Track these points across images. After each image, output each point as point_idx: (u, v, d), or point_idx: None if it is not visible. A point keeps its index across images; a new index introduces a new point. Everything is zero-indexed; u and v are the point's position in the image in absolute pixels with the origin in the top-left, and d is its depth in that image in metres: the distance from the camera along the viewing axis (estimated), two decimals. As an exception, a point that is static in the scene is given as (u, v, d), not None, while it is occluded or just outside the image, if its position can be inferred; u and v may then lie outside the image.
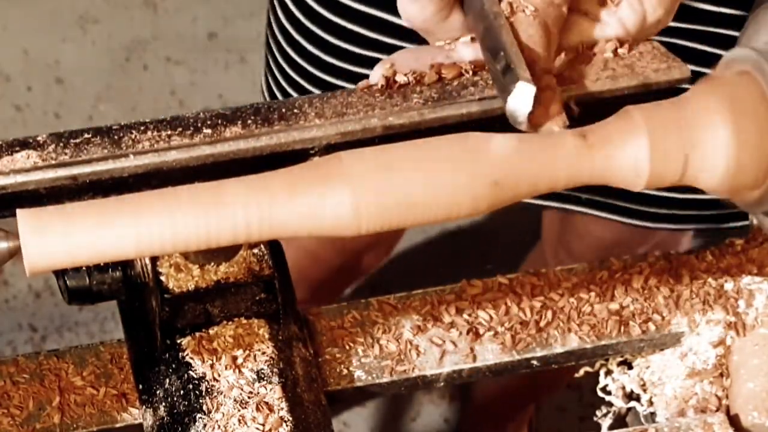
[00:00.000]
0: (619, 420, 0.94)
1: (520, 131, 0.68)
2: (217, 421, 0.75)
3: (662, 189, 1.15)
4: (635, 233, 1.25)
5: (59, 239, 0.62)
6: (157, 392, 0.78)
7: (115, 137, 0.69)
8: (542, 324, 0.88)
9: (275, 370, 0.77)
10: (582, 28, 0.76)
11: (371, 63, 0.76)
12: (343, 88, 0.78)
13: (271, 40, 1.19)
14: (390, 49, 0.84)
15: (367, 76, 0.74)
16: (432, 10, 0.72)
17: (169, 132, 0.70)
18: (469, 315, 0.88)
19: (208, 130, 0.70)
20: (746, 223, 1.08)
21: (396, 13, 0.75)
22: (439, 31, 0.74)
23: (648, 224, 1.20)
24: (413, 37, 0.77)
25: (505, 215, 1.59)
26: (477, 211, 0.67)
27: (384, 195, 0.64)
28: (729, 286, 0.91)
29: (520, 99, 0.65)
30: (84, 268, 0.77)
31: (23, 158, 0.67)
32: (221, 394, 0.76)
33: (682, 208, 1.17)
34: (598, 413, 0.94)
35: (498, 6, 0.70)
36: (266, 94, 1.23)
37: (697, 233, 1.34)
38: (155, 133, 0.70)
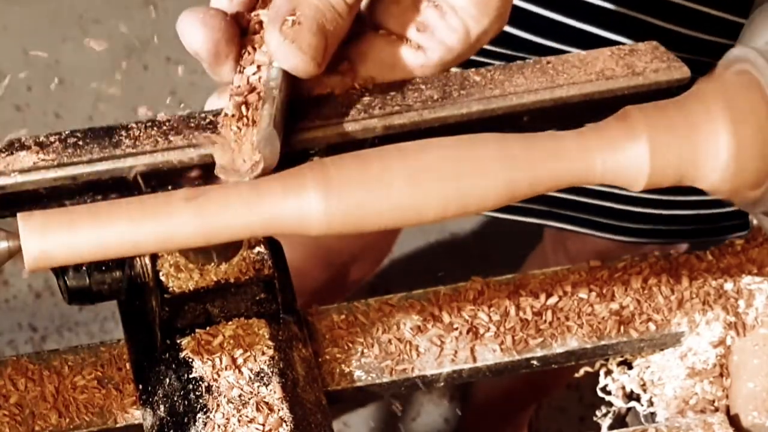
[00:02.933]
0: (619, 420, 0.94)
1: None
2: (216, 421, 0.75)
3: (650, 206, 1.16)
4: (628, 246, 1.25)
5: (59, 239, 0.62)
6: (157, 392, 0.78)
7: (115, 137, 0.69)
8: (542, 324, 0.88)
9: (275, 370, 0.77)
10: (392, 53, 0.72)
11: None
12: None
13: None
14: None
15: None
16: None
17: (168, 132, 0.70)
18: (469, 315, 0.88)
19: (208, 131, 0.70)
20: (741, 234, 1.08)
21: None
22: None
23: (638, 240, 1.20)
24: None
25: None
26: (471, 212, 0.67)
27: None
28: (729, 286, 0.91)
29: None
30: (84, 268, 0.77)
31: (23, 158, 0.67)
32: (221, 394, 0.76)
33: (670, 223, 1.17)
34: (598, 413, 0.94)
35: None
36: None
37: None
38: (155, 133, 0.70)
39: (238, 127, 0.67)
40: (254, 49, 0.70)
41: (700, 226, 1.17)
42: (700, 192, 1.14)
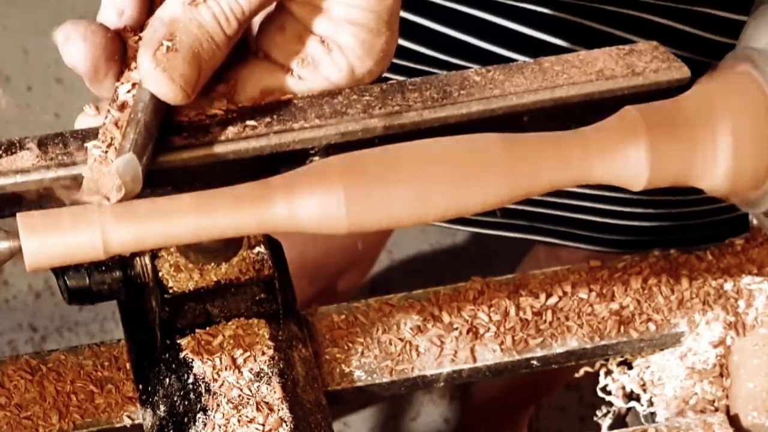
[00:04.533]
0: (619, 420, 0.94)
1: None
2: (216, 421, 0.75)
3: (633, 219, 1.16)
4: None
5: (58, 239, 0.62)
6: (157, 392, 0.78)
7: (115, 137, 0.69)
8: (542, 324, 0.88)
9: (275, 370, 0.77)
10: (273, 80, 0.71)
11: None
12: None
13: None
14: None
15: None
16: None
17: (167, 132, 0.70)
18: (469, 315, 0.88)
19: (207, 131, 0.70)
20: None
21: None
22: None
23: (625, 251, 1.20)
24: None
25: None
26: (472, 211, 0.67)
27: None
28: (729, 286, 0.91)
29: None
30: (84, 268, 0.77)
31: (23, 158, 0.67)
32: (221, 394, 0.76)
33: (657, 234, 1.17)
34: (598, 413, 0.94)
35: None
36: None
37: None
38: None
39: (103, 149, 0.65)
40: (133, 67, 0.68)
41: (692, 236, 1.17)
42: (690, 204, 1.14)
